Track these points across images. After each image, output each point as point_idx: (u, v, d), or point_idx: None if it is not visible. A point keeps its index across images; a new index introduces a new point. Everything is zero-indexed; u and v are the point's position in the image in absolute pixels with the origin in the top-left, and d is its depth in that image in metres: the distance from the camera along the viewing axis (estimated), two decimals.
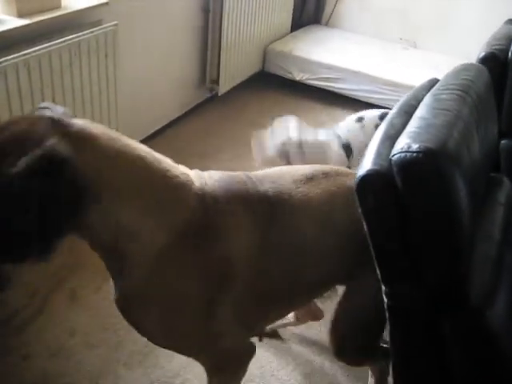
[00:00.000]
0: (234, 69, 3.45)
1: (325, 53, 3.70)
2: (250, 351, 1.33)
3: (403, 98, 1.27)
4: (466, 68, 1.30)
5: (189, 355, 1.35)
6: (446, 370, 1.09)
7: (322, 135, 2.38)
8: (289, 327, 1.93)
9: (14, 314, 1.92)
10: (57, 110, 1.05)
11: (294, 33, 4.04)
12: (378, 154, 1.01)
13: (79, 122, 1.01)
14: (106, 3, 2.28)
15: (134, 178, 1.04)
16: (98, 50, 2.24)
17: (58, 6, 2.12)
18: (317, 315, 1.83)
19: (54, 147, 0.92)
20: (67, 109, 1.09)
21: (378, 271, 1.06)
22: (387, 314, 1.09)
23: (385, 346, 1.38)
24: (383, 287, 1.07)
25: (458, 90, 1.16)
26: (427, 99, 1.15)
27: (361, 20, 4.17)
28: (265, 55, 3.77)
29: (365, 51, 3.82)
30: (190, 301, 1.14)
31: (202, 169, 1.26)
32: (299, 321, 1.87)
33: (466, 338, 1.06)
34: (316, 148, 2.34)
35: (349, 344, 1.42)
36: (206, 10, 3.17)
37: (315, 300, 1.74)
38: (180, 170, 1.14)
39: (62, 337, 1.86)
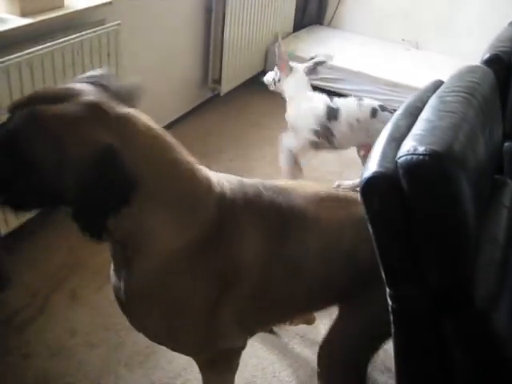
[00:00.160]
0: (236, 69, 3.45)
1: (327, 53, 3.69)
2: (243, 346, 1.34)
3: (408, 99, 1.27)
4: (471, 70, 1.29)
5: (187, 354, 1.36)
6: (449, 372, 1.09)
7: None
8: (288, 328, 1.93)
9: (15, 313, 1.92)
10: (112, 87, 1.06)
11: (296, 33, 4.04)
12: (384, 156, 1.00)
13: (127, 113, 1.03)
14: (109, 3, 2.28)
15: (166, 179, 1.05)
16: (101, 50, 2.23)
17: (61, 6, 2.11)
18: (309, 319, 1.86)
19: (110, 146, 0.94)
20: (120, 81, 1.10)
21: (382, 272, 1.05)
22: (391, 317, 1.09)
23: None
24: (387, 289, 1.07)
25: (464, 92, 1.15)
26: (432, 101, 1.15)
27: (363, 21, 4.16)
28: (267, 55, 3.77)
29: (367, 52, 3.82)
30: (197, 301, 1.15)
31: None
32: (291, 323, 1.87)
33: (471, 340, 1.05)
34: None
35: (334, 366, 1.42)
36: (208, 10, 3.17)
37: None
38: (203, 173, 1.15)
39: (63, 337, 1.86)
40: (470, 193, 1.00)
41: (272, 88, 2.69)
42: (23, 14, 1.98)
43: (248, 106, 3.51)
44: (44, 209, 1.12)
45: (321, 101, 2.52)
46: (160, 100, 2.97)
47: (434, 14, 3.89)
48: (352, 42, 3.98)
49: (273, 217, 1.20)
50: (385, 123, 2.61)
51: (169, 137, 1.10)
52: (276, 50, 2.60)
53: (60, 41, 2.04)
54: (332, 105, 2.48)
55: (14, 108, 0.98)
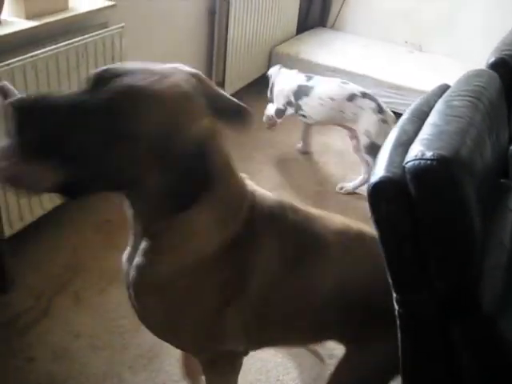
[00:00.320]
0: (240, 71, 3.45)
1: (330, 55, 3.69)
2: (244, 352, 1.33)
3: (414, 103, 1.27)
4: (477, 74, 1.29)
5: (187, 351, 1.36)
6: (457, 377, 1.09)
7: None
8: None
9: (18, 316, 1.92)
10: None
11: (299, 35, 4.04)
12: (391, 161, 1.00)
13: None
14: (113, 5, 2.28)
15: (223, 184, 1.04)
16: (105, 52, 2.24)
17: (66, 8, 2.12)
18: None
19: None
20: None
21: (389, 278, 1.05)
22: (398, 321, 1.09)
23: None
24: (394, 294, 1.07)
25: (470, 96, 1.15)
26: (439, 105, 1.15)
27: (366, 23, 4.16)
28: (270, 58, 3.77)
29: (370, 54, 3.81)
30: (208, 299, 1.15)
31: None
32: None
33: (478, 345, 1.05)
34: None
35: None
36: (212, 13, 3.17)
37: None
38: (249, 185, 1.16)
39: (66, 339, 1.86)
40: (477, 197, 1.00)
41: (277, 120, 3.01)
42: (28, 17, 1.98)
43: (251, 108, 3.50)
44: (92, 194, 1.01)
45: (295, 81, 2.84)
46: None
47: (438, 16, 3.89)
48: (355, 44, 3.97)
49: (292, 240, 1.20)
50: (363, 109, 2.69)
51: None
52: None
53: (64, 43, 2.04)
54: (306, 83, 2.79)
55: (97, 81, 0.93)
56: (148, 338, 1.85)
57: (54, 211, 2.20)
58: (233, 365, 1.34)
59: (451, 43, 3.88)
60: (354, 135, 2.75)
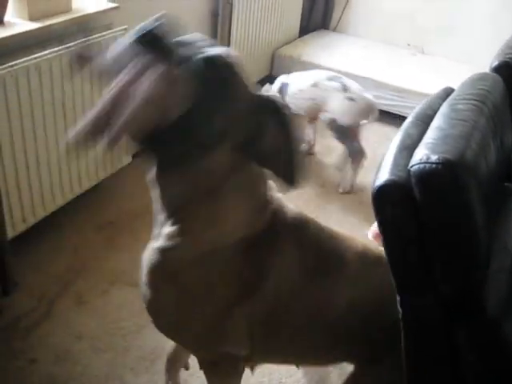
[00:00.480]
0: None
1: (332, 58, 3.69)
2: (246, 357, 1.32)
3: (418, 107, 1.27)
4: (481, 78, 1.29)
5: (187, 347, 1.35)
6: (462, 380, 1.09)
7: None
8: None
9: (20, 317, 1.91)
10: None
11: (302, 38, 4.04)
12: (396, 164, 1.00)
13: None
14: (117, 7, 2.28)
15: (255, 175, 1.11)
16: None
17: (69, 10, 2.12)
18: None
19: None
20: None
21: (393, 281, 1.05)
22: (401, 324, 1.08)
23: None
24: (398, 297, 1.06)
25: (475, 99, 1.15)
26: (443, 109, 1.15)
27: (369, 25, 4.16)
28: (273, 60, 3.77)
29: (372, 57, 3.81)
30: (221, 293, 1.15)
31: None
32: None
33: (482, 349, 1.05)
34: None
35: None
36: (215, 15, 3.17)
37: None
38: (269, 184, 1.19)
39: (68, 341, 1.85)
40: (481, 201, 1.00)
41: None
42: (31, 19, 1.98)
43: None
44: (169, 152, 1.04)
45: (279, 80, 2.95)
46: None
47: (440, 18, 3.89)
48: (357, 46, 3.98)
49: (312, 251, 1.22)
50: (328, 90, 2.81)
51: None
52: None
53: (68, 45, 2.04)
54: (285, 81, 2.91)
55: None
56: (150, 340, 1.86)
57: (55, 212, 2.20)
58: (235, 368, 1.33)
59: (454, 46, 3.88)
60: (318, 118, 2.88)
